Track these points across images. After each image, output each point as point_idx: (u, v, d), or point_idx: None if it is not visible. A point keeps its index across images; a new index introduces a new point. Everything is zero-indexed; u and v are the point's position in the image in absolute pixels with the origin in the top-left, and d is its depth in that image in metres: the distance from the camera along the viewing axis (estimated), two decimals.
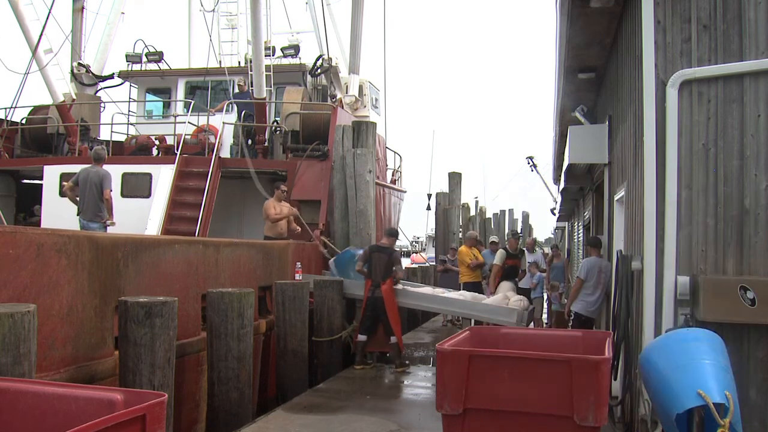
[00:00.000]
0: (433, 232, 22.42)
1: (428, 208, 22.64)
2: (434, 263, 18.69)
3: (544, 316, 14.02)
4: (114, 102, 16.00)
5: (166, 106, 16.53)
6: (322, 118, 13.46)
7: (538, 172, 27.79)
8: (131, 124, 15.65)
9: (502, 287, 11.07)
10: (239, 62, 16.72)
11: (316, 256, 11.24)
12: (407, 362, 10.05)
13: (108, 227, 9.65)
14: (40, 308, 4.64)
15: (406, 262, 29.07)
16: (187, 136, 13.38)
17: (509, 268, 11.91)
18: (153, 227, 11.85)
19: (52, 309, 5.18)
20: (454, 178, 21.30)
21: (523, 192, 69.62)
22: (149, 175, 12.66)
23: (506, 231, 39.78)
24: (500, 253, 12.21)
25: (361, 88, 17.16)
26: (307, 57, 16.06)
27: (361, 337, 9.80)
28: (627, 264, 6.08)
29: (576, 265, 14.03)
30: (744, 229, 4.93)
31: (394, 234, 10.48)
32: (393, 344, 9.76)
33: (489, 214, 33.81)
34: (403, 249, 36.12)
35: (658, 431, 4.97)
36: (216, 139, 13.49)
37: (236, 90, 14.86)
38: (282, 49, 16.05)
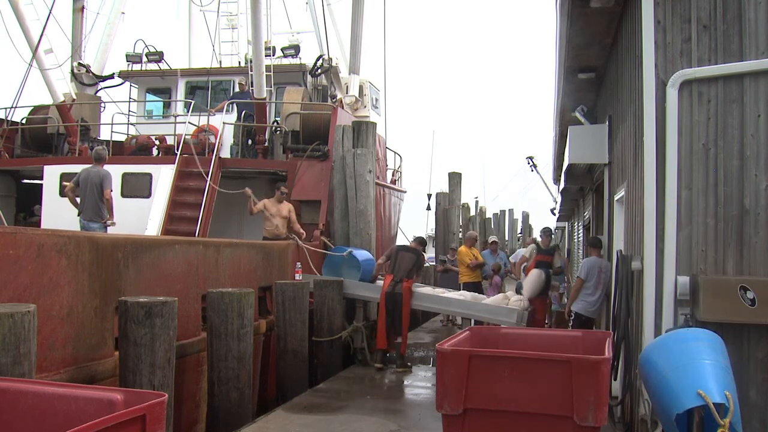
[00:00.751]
0: (433, 232, 22.42)
1: (428, 208, 22.65)
2: (434, 263, 18.68)
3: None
4: (114, 102, 15.99)
5: (166, 106, 16.52)
6: (322, 118, 13.44)
7: (538, 172, 27.77)
8: (131, 124, 15.63)
9: (532, 274, 10.88)
10: (239, 62, 16.72)
11: (316, 257, 11.23)
12: (409, 363, 10.04)
13: (108, 227, 9.66)
14: (41, 309, 4.64)
15: None
16: (187, 136, 13.37)
17: (539, 264, 11.60)
18: (153, 227, 11.84)
19: (52, 309, 5.18)
20: (454, 178, 21.31)
21: (523, 192, 69.44)
22: (149, 175, 12.65)
23: (506, 231, 39.81)
24: (531, 247, 12.04)
25: (361, 88, 17.15)
26: (308, 57, 16.05)
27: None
28: (627, 264, 6.08)
29: (576, 265, 14.02)
30: (744, 229, 4.93)
31: (422, 242, 10.86)
32: (398, 343, 9.77)
33: (489, 214, 33.84)
34: None
35: (658, 431, 4.98)
36: (216, 139, 13.48)
37: (237, 89, 14.85)
38: (282, 49, 16.02)
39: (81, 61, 15.81)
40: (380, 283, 10.29)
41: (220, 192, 12.53)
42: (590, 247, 9.03)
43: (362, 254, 11.04)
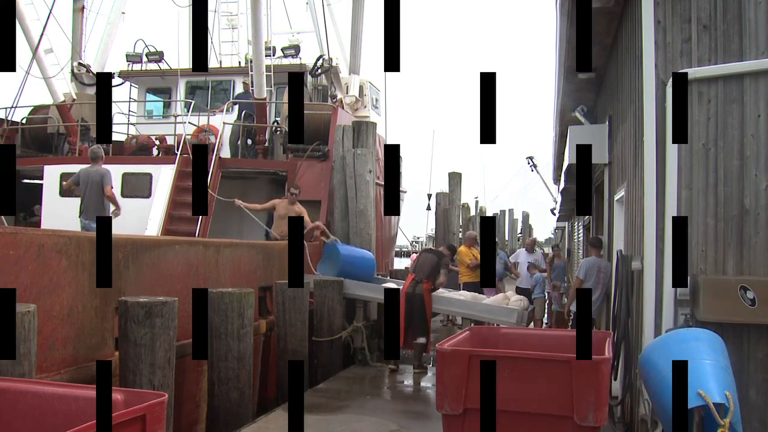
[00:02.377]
0: (433, 232, 22.44)
1: (428, 208, 22.68)
2: None
3: (544, 316, 14.03)
4: (114, 102, 15.98)
5: (167, 106, 16.53)
6: (322, 118, 13.45)
7: (538, 172, 27.82)
8: (131, 124, 15.64)
9: None
10: (239, 62, 16.73)
11: (317, 257, 11.22)
12: (425, 364, 9.89)
13: (114, 218, 9.60)
14: (41, 309, 4.64)
15: (405, 262, 29.00)
16: (187, 136, 13.38)
17: None
18: (153, 227, 11.84)
19: (52, 310, 5.18)
20: (454, 178, 21.32)
21: (523, 192, 69.58)
22: (149, 175, 12.64)
23: (506, 231, 39.80)
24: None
25: (361, 88, 17.16)
26: (308, 57, 16.06)
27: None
28: (627, 264, 6.08)
29: (576, 265, 14.03)
30: (744, 229, 4.93)
31: (451, 249, 11.07)
32: (419, 344, 9.59)
33: (489, 214, 33.83)
34: (403, 249, 36.11)
35: (658, 431, 4.98)
36: (216, 139, 13.49)
37: (241, 89, 14.84)
38: (282, 49, 16.03)
39: (81, 61, 15.81)
40: (390, 284, 10.29)
41: (220, 192, 12.54)
42: (590, 247, 9.04)
43: (351, 249, 11.02)
